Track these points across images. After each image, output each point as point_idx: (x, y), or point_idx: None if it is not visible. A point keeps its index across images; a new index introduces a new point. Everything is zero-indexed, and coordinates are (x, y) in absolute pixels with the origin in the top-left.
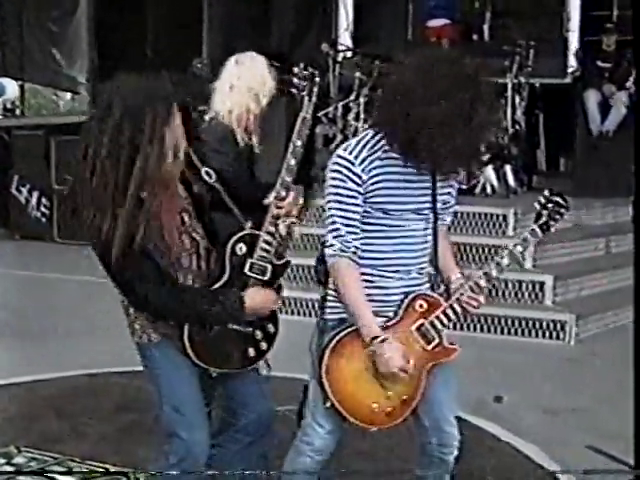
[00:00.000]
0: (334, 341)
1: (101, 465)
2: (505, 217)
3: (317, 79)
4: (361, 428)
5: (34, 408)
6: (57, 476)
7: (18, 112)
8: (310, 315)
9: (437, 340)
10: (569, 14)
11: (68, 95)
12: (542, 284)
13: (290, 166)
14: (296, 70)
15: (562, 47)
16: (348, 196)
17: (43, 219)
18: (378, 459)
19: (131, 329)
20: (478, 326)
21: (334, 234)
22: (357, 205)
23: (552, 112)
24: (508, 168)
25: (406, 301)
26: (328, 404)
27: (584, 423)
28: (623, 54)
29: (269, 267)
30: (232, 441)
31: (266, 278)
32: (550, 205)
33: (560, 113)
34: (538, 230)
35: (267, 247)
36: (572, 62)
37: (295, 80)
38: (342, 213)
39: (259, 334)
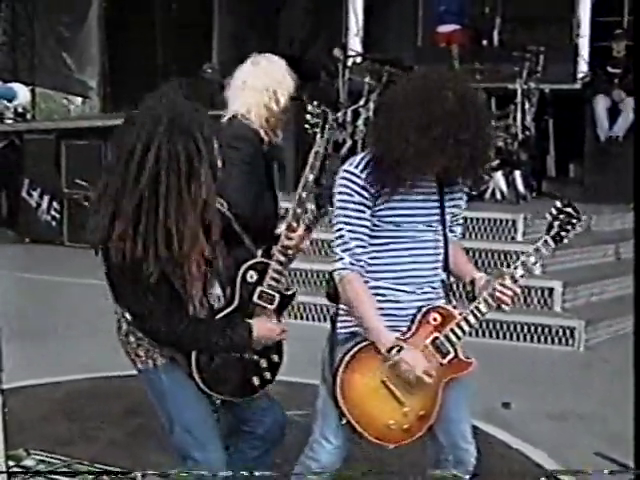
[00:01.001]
0: (348, 357)
1: (110, 469)
2: (514, 222)
3: (330, 116)
4: (378, 446)
5: (43, 411)
6: (66, 478)
7: (29, 116)
8: (320, 320)
9: (452, 354)
10: (579, 20)
11: (79, 99)
12: (551, 290)
13: (302, 198)
14: (310, 108)
15: (572, 53)
16: (356, 210)
17: (53, 223)
18: (387, 465)
19: (133, 357)
20: (487, 332)
21: (342, 247)
22: (365, 219)
23: (562, 118)
24: (517, 174)
25: (419, 314)
26: (344, 421)
27: (593, 429)
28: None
29: (277, 296)
30: (251, 447)
31: (273, 307)
32: (562, 216)
33: (570, 119)
34: (551, 241)
35: (277, 276)
36: (582, 68)
37: (308, 117)
38: (350, 227)
39: (264, 363)
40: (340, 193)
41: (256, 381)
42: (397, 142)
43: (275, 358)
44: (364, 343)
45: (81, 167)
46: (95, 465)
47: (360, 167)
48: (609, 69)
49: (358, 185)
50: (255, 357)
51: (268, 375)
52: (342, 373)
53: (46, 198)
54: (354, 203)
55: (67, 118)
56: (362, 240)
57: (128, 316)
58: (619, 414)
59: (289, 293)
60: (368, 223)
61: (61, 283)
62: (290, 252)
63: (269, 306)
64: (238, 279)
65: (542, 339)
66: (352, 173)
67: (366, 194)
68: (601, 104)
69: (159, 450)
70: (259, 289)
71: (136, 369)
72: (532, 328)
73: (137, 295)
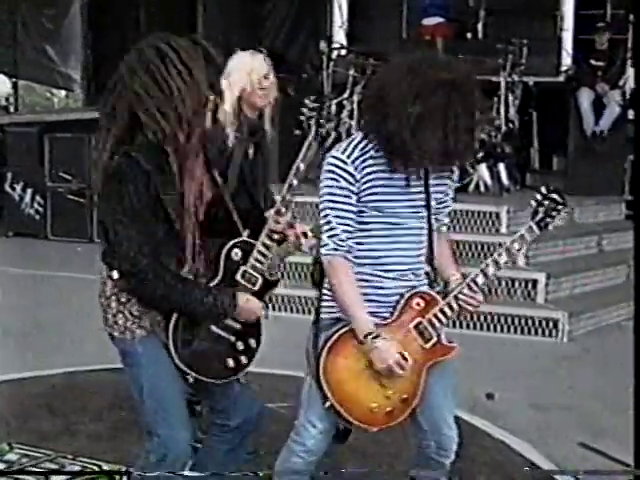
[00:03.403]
0: (331, 340)
1: (94, 462)
2: (498, 215)
3: (324, 112)
4: (361, 429)
5: (26, 405)
6: (49, 473)
7: (12, 109)
8: (303, 312)
9: (435, 338)
10: (563, 13)
11: (62, 92)
12: (535, 282)
13: (293, 185)
14: (307, 101)
15: (556, 46)
16: (341, 195)
17: (37, 216)
18: (369, 455)
19: (111, 323)
20: (471, 324)
21: (328, 233)
22: (351, 204)
23: (546, 110)
24: (501, 166)
25: (403, 299)
26: (327, 404)
27: (577, 420)
28: (616, 53)
29: (260, 279)
30: (223, 442)
31: (256, 289)
32: (546, 202)
33: (554, 111)
34: (535, 227)
35: (261, 258)
36: (565, 61)
37: (304, 110)
38: (336, 212)
39: (241, 346)
40: (326, 179)
41: (231, 363)
42: (405, 124)
43: (252, 343)
44: (348, 327)
45: (65, 160)
46: (79, 459)
47: (347, 152)
48: (592, 62)
49: (344, 170)
50: (232, 338)
51: (243, 359)
52: (325, 356)
53: (29, 191)
54: (340, 188)
55: (50, 111)
56: (348, 225)
57: (115, 274)
58: (603, 405)
59: (272, 279)
60: (354, 208)
61: (45, 276)
62: (276, 236)
63: (251, 287)
64: (223, 254)
65: (525, 331)
66: (339, 159)
67: (352, 180)
68: (585, 97)
69: (142, 443)
70: (242, 269)
71: (111, 338)
72: (516, 320)
73: (135, 233)
